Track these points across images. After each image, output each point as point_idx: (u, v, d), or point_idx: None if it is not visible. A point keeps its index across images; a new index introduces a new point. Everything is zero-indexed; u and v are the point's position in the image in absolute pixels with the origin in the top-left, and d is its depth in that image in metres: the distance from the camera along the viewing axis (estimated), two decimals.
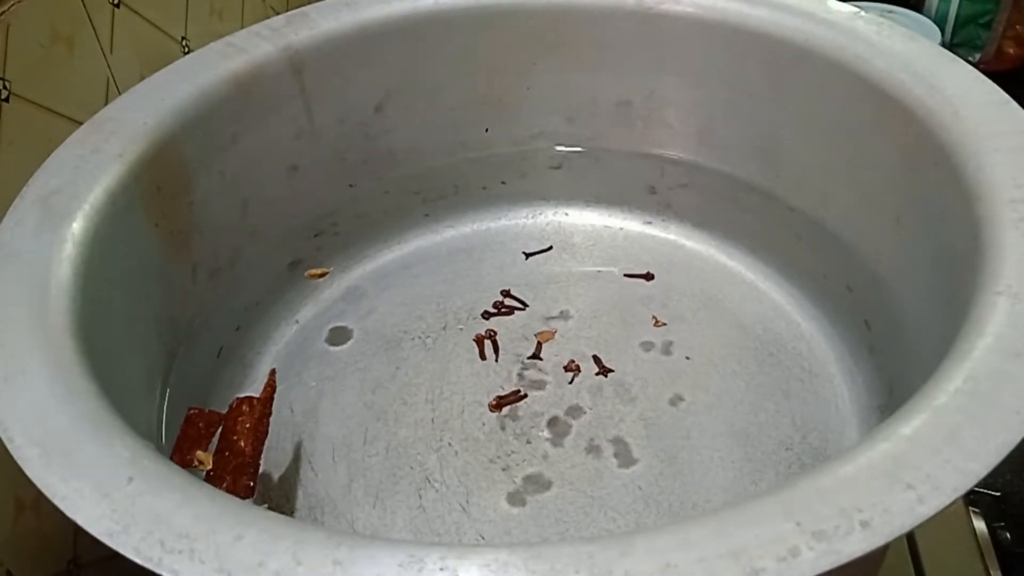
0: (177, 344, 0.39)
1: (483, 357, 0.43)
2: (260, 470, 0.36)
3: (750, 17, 0.42)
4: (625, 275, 0.47)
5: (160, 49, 0.47)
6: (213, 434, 0.35)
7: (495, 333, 0.44)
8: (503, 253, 0.49)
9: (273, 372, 0.38)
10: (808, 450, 0.39)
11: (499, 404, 0.41)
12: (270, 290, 0.46)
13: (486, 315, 0.46)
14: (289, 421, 0.41)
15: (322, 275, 0.47)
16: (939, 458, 0.22)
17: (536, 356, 0.43)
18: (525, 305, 0.46)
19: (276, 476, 0.39)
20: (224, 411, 0.36)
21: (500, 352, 0.44)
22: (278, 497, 0.39)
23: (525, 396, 0.41)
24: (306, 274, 0.47)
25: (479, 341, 0.44)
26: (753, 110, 0.44)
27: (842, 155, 0.41)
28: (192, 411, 0.35)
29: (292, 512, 0.38)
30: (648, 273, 0.47)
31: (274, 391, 0.37)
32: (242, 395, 0.37)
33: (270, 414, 0.37)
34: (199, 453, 0.35)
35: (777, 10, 0.42)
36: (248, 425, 0.35)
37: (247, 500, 0.35)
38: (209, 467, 0.34)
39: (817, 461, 0.38)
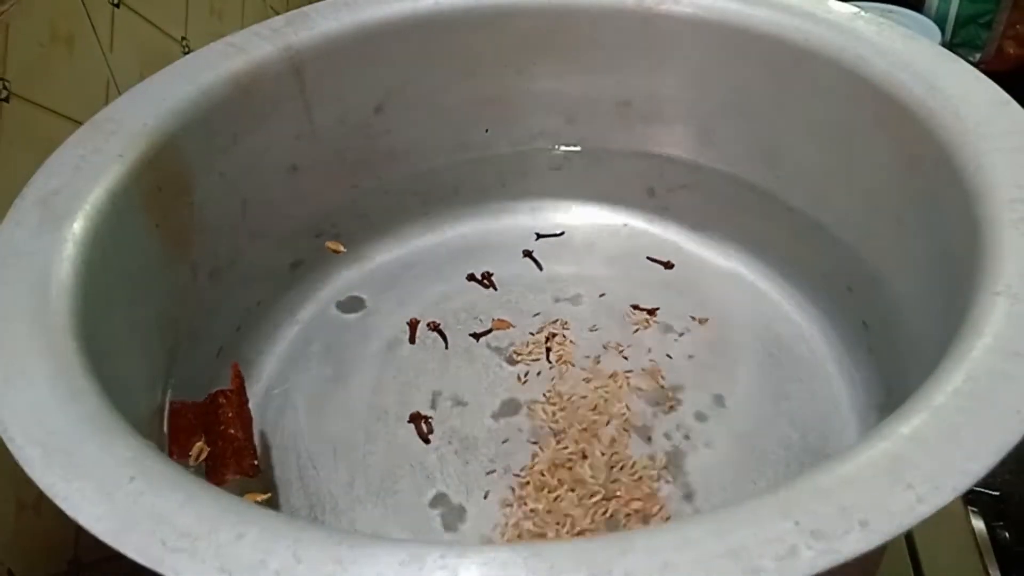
0: (177, 344, 0.39)
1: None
2: (260, 470, 0.36)
3: (750, 17, 0.42)
4: (648, 258, 0.48)
5: (160, 49, 0.47)
6: (202, 422, 0.36)
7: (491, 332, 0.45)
8: (503, 253, 0.49)
9: (235, 365, 0.39)
10: (808, 450, 0.39)
11: (414, 419, 0.41)
12: (271, 290, 0.46)
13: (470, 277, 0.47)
14: (291, 420, 0.41)
15: (336, 251, 0.47)
16: (939, 458, 0.22)
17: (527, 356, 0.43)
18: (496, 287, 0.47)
19: (277, 475, 0.39)
20: (206, 401, 0.36)
21: (498, 350, 0.44)
22: (279, 496, 0.39)
23: (430, 435, 0.40)
24: (326, 244, 0.47)
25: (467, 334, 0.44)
26: (753, 110, 0.44)
27: (842, 155, 0.41)
28: (175, 404, 0.36)
29: (293, 511, 0.38)
30: (668, 261, 0.48)
31: (243, 380, 0.38)
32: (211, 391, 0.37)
33: (247, 400, 0.38)
34: (197, 443, 0.35)
35: (777, 10, 0.42)
36: (231, 414, 0.36)
37: (254, 478, 0.35)
38: (206, 453, 0.35)
39: (817, 461, 0.38)
